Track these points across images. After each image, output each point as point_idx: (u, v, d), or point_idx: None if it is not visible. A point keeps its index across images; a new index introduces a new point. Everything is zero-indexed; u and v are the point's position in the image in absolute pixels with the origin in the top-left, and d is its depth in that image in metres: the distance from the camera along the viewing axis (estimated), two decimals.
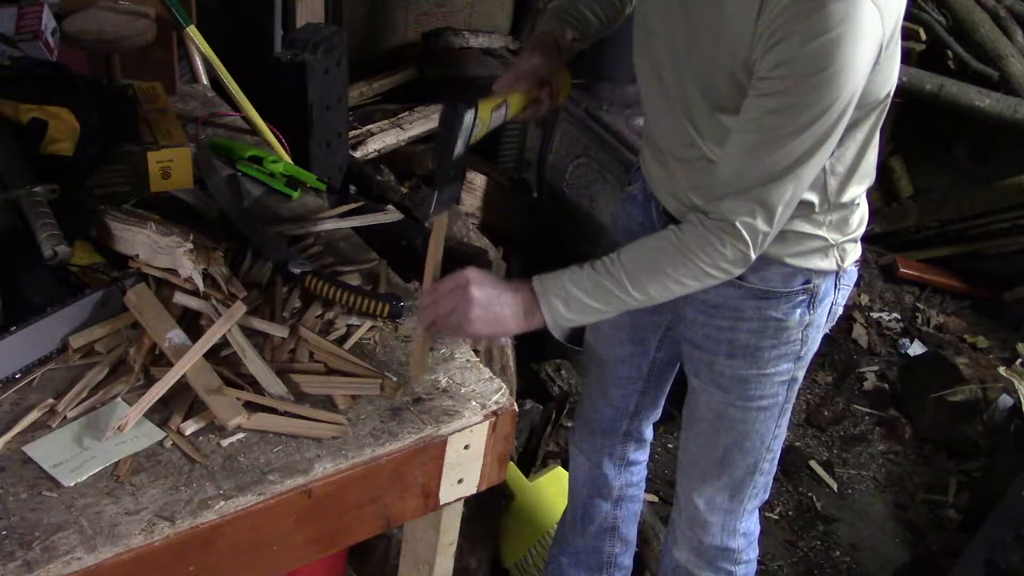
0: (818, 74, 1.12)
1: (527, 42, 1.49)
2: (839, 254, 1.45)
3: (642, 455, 1.91)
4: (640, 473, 1.94)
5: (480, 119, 1.31)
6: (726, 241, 1.25)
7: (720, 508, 1.67)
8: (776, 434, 1.61)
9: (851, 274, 1.51)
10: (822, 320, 1.51)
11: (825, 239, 1.41)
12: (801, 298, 1.46)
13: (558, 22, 1.52)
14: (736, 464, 1.61)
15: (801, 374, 1.57)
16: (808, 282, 1.45)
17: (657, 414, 1.86)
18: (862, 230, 1.47)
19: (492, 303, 1.26)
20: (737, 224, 1.24)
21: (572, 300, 1.28)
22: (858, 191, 1.40)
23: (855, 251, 1.48)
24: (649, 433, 1.89)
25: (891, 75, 1.28)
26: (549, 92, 1.46)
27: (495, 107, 1.37)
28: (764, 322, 1.47)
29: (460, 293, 1.26)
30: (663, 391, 1.82)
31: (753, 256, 1.27)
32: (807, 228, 1.39)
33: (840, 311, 1.55)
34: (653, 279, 1.28)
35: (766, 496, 1.71)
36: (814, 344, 1.53)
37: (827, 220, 1.40)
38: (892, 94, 1.31)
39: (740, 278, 1.42)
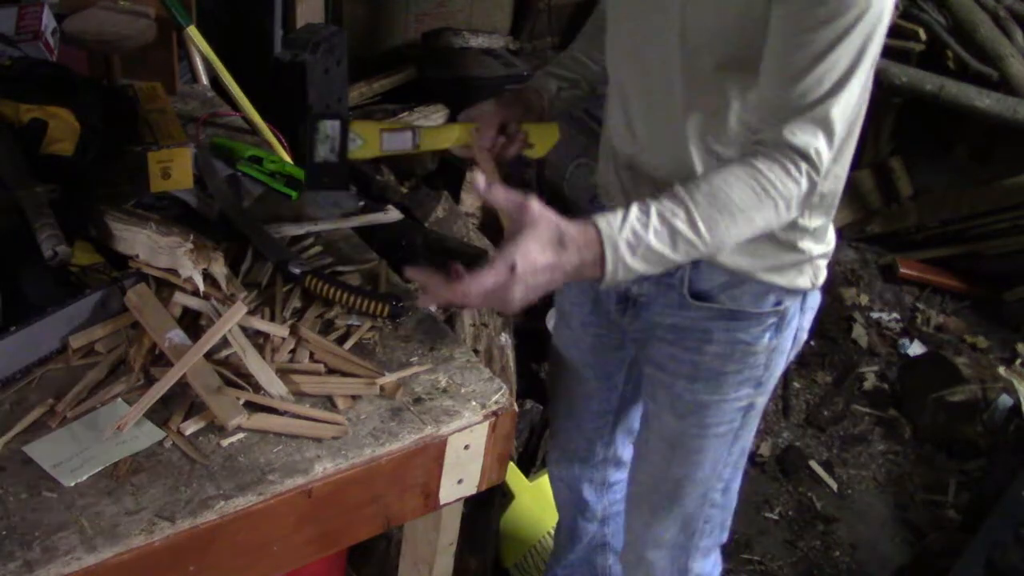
0: None
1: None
2: (813, 271, 1.38)
3: (622, 473, 1.82)
4: (623, 490, 1.84)
5: (360, 135, 1.41)
6: (802, 167, 1.14)
7: (669, 543, 1.60)
8: (728, 462, 1.53)
9: (815, 297, 1.45)
10: (787, 345, 1.45)
11: (802, 252, 1.35)
12: (771, 321, 1.39)
13: (544, 76, 1.52)
14: (687, 495, 1.55)
15: (760, 401, 1.49)
16: (779, 303, 1.38)
17: (635, 435, 1.76)
18: (832, 247, 1.41)
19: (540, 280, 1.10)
20: (807, 148, 1.14)
21: (640, 245, 1.10)
22: (837, 186, 1.33)
23: (825, 268, 1.42)
24: (628, 453, 1.79)
25: None
26: (505, 139, 1.46)
27: (385, 129, 1.44)
28: (732, 346, 1.40)
29: (503, 287, 1.09)
30: (637, 417, 1.73)
31: (819, 187, 1.17)
32: (784, 235, 1.33)
33: (804, 336, 1.48)
34: (727, 223, 1.13)
35: (724, 536, 1.64)
36: (776, 370, 1.46)
37: (811, 227, 1.34)
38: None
39: (709, 300, 1.37)
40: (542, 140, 1.52)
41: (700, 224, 1.12)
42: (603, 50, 1.45)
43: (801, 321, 1.44)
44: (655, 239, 1.11)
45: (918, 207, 3.67)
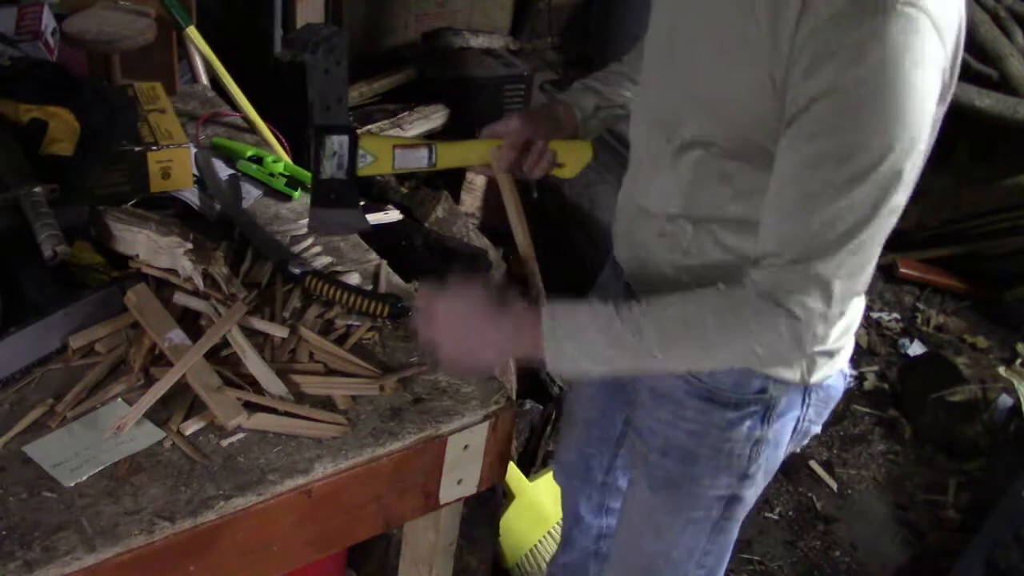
0: (871, 103, 0.94)
1: None
2: (806, 365, 1.24)
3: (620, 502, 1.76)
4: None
5: (370, 152, 1.33)
6: (781, 320, 1.05)
7: None
8: (708, 550, 1.42)
9: (830, 388, 1.31)
10: (783, 438, 1.31)
11: None
12: (753, 408, 1.25)
13: (582, 91, 1.42)
14: (662, 574, 1.47)
15: (749, 494, 1.36)
16: (764, 391, 1.24)
17: None
18: (845, 344, 1.28)
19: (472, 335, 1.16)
20: (794, 310, 1.04)
21: (586, 344, 1.11)
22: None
23: (828, 366, 1.26)
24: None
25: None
26: (529, 155, 1.37)
27: (399, 145, 1.36)
28: (705, 427, 1.29)
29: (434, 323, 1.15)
30: None
31: (807, 345, 1.07)
32: None
33: (816, 430, 1.34)
34: (688, 346, 1.10)
35: None
36: (770, 464, 1.33)
37: None
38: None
39: (690, 372, 1.27)
40: (573, 159, 1.41)
41: (655, 347, 1.10)
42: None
43: (806, 412, 1.31)
44: (604, 345, 1.11)
45: (918, 207, 3.67)
